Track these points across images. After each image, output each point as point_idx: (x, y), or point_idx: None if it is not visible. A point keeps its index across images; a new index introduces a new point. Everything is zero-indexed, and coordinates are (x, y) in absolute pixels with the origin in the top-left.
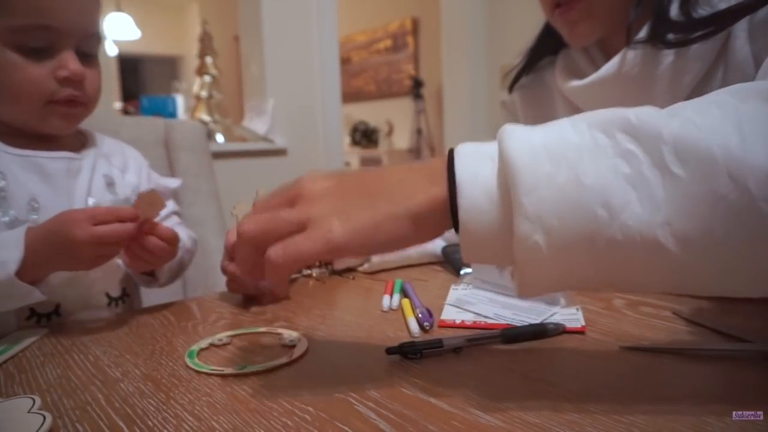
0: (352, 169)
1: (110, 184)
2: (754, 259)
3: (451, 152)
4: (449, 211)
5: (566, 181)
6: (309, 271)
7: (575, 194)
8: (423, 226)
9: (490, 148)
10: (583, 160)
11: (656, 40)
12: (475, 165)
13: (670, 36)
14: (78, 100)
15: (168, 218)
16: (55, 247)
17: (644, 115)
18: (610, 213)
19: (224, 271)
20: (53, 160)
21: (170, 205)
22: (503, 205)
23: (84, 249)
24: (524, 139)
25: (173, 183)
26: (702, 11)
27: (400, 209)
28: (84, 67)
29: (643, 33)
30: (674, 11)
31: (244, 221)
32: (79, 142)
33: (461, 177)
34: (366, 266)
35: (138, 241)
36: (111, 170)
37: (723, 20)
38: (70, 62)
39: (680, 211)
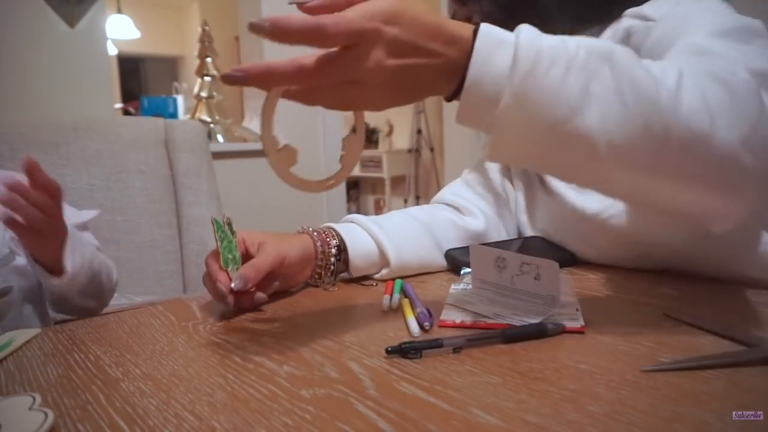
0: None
1: None
2: (658, 179)
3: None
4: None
5: (552, 79)
6: (318, 280)
7: (554, 92)
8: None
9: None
10: (570, 70)
11: None
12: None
13: None
14: None
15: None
16: None
17: (622, 54)
18: (571, 113)
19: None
20: None
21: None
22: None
23: None
24: (534, 37)
25: (86, 215)
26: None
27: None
28: None
29: None
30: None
31: None
32: None
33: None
34: (384, 272)
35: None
36: None
37: None
38: None
39: (619, 130)
